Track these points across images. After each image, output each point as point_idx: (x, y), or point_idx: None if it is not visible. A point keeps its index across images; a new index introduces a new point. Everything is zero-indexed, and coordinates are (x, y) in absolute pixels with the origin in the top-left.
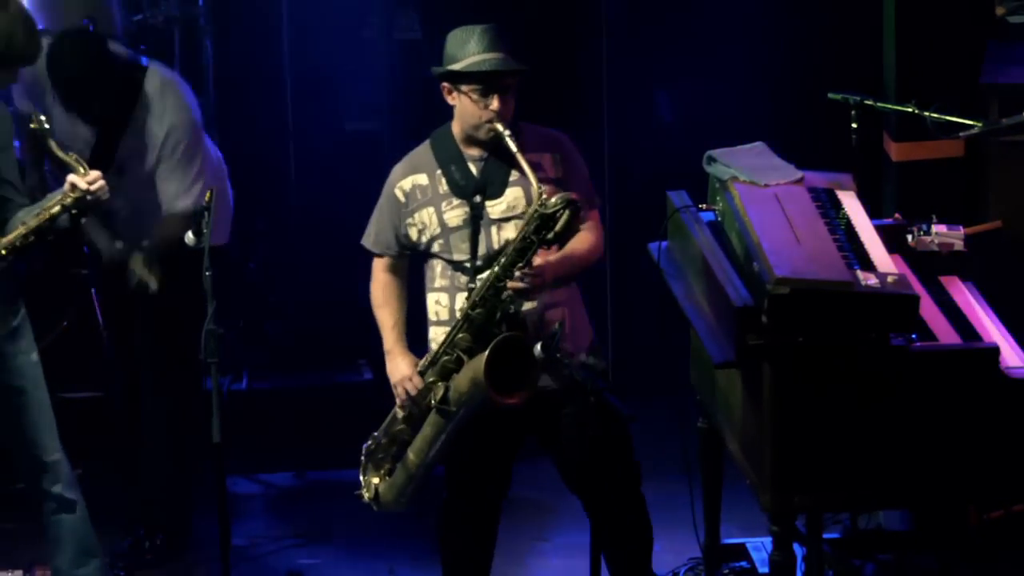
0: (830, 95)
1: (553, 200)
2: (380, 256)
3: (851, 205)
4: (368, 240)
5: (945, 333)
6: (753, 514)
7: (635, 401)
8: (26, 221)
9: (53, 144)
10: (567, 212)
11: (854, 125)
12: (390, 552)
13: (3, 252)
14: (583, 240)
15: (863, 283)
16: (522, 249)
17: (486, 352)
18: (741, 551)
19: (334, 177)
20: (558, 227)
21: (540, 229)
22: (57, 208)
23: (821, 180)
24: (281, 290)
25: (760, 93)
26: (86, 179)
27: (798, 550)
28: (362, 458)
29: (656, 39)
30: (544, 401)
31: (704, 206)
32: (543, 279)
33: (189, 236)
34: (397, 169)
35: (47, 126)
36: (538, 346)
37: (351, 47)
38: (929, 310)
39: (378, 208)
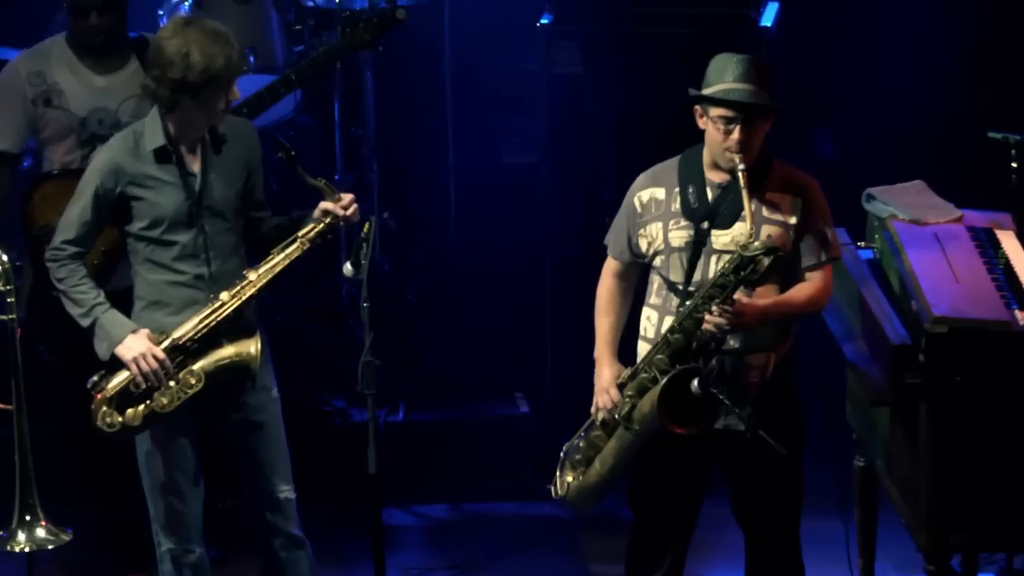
0: (990, 134)
1: (756, 244)
2: (615, 259)
3: (1010, 245)
4: (609, 239)
5: None
6: (908, 553)
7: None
8: (284, 249)
9: (302, 169)
10: (767, 259)
11: (1014, 164)
12: None
13: (264, 282)
14: (804, 290)
15: (1021, 323)
16: (720, 285)
17: (663, 380)
18: None
19: (492, 209)
20: (758, 270)
21: (739, 270)
22: (314, 234)
23: (980, 219)
24: (439, 322)
25: (919, 131)
26: (340, 204)
27: None
28: (561, 455)
29: (814, 76)
30: (725, 437)
31: (862, 244)
32: (742, 320)
33: (348, 267)
34: (641, 178)
35: (293, 153)
36: (695, 382)
37: (512, 81)
38: None
39: (620, 212)
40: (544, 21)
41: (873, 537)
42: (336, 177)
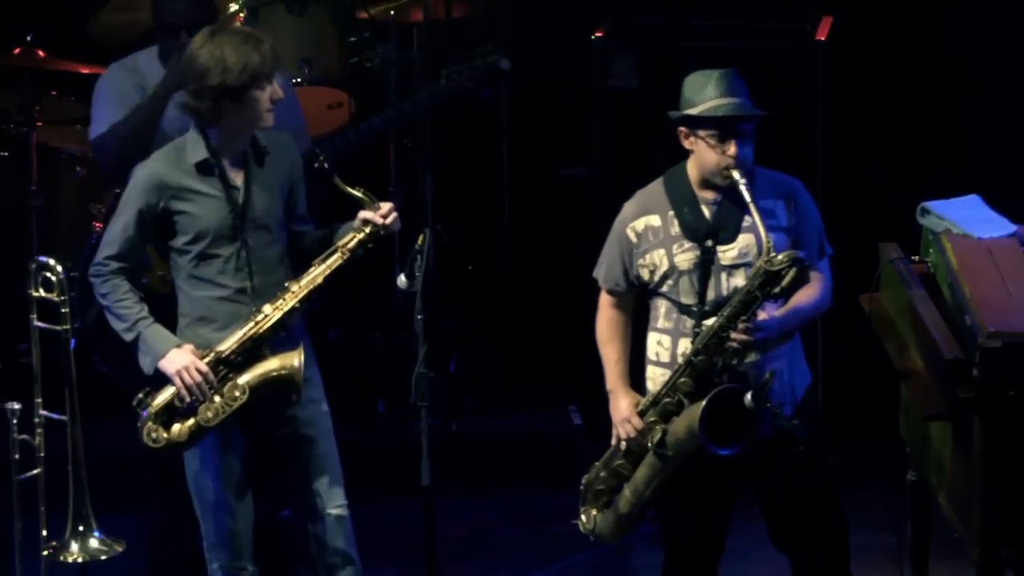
0: None
1: (780, 257)
2: (609, 291)
3: None
4: (599, 273)
5: None
6: (961, 568)
7: (844, 452)
8: (325, 260)
9: (338, 179)
10: (793, 270)
11: None
12: None
13: (302, 296)
14: (809, 293)
15: None
16: (747, 302)
17: (703, 402)
18: None
19: (546, 222)
20: (784, 284)
21: (765, 285)
22: (354, 244)
23: None
24: (493, 334)
25: (973, 143)
26: (380, 213)
27: None
28: (581, 488)
29: (867, 89)
30: (758, 451)
31: (916, 258)
32: (767, 334)
33: (402, 280)
34: (628, 208)
35: (326, 165)
36: (748, 396)
37: (568, 94)
38: None
39: (609, 244)
40: (599, 34)
41: (925, 552)
42: (390, 189)
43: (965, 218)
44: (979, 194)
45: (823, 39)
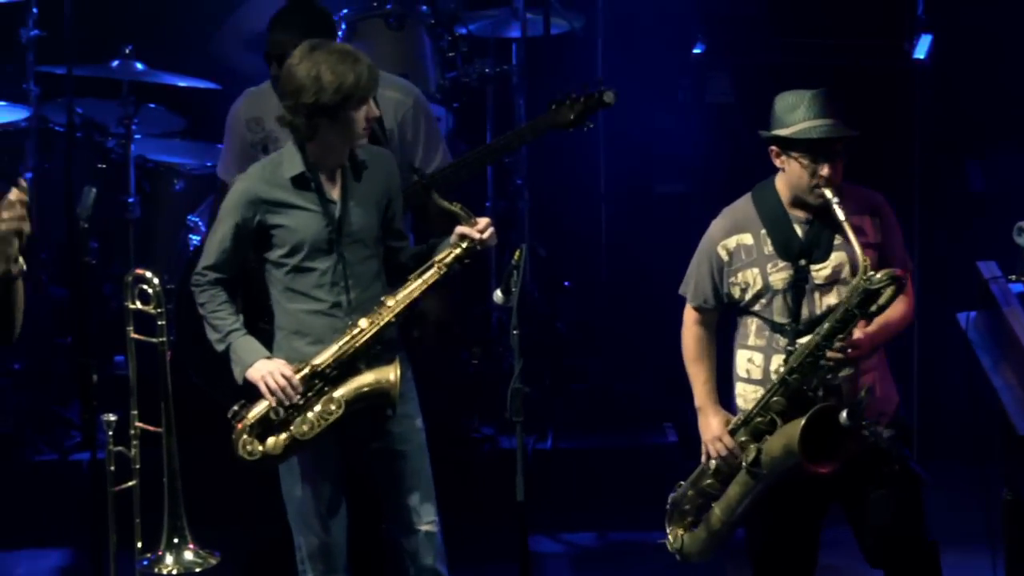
0: None
1: (879, 276)
2: (697, 308)
3: None
4: (687, 290)
5: None
6: None
7: (939, 469)
8: (422, 275)
9: (436, 195)
10: (891, 288)
11: None
12: None
13: (401, 308)
14: (896, 309)
15: None
16: (844, 320)
17: (802, 420)
18: None
19: (643, 238)
20: (881, 302)
21: (864, 303)
22: (451, 259)
23: None
24: (588, 350)
25: None
26: (477, 228)
27: None
28: (667, 507)
29: (967, 109)
30: (850, 468)
31: (1014, 277)
32: (862, 351)
33: (498, 295)
34: (718, 225)
35: (427, 178)
36: (844, 413)
37: (664, 110)
38: None
39: (697, 260)
40: (697, 51)
41: (1021, 572)
42: (487, 204)
43: None
44: None
45: (922, 58)
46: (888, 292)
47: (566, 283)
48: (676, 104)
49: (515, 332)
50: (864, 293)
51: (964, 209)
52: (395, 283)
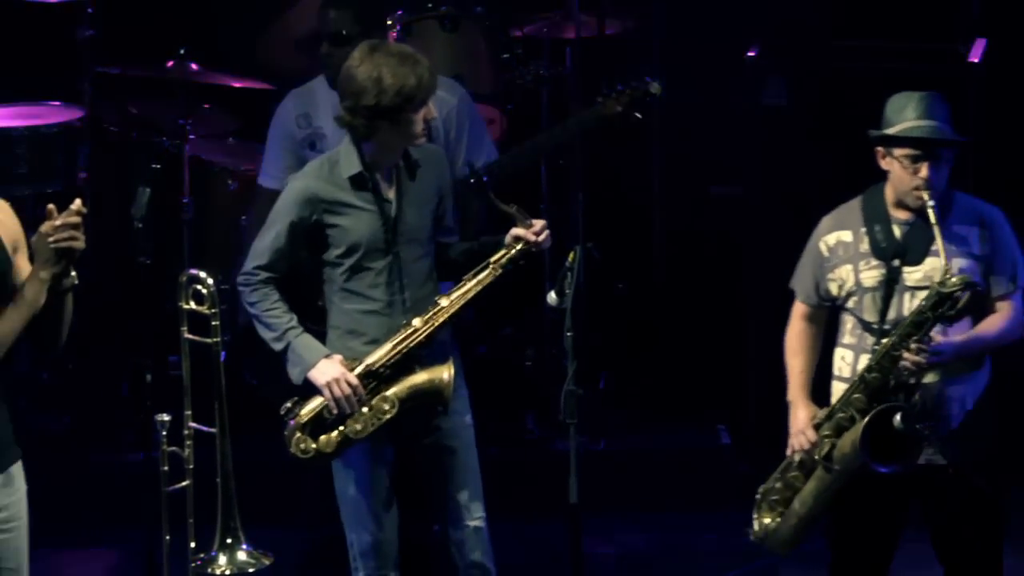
0: None
1: (953, 280)
2: (803, 303)
3: None
4: (796, 284)
5: None
6: None
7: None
8: (476, 276)
9: (492, 195)
10: (967, 295)
11: None
12: None
13: (455, 308)
14: (995, 322)
15: None
16: (918, 323)
17: (865, 419)
18: None
19: (697, 241)
20: (957, 307)
21: (937, 307)
22: (505, 260)
23: None
24: (642, 352)
25: None
26: (532, 230)
27: None
28: (757, 496)
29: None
30: (931, 477)
31: None
32: (941, 358)
33: (552, 296)
34: (825, 222)
35: (485, 178)
36: (898, 416)
37: (719, 112)
38: None
39: (804, 255)
40: (751, 54)
41: None
42: (542, 207)
43: None
44: None
45: (976, 61)
46: (964, 298)
47: (619, 285)
48: (731, 106)
49: (569, 334)
50: (938, 296)
51: (1019, 214)
52: (442, 278)
